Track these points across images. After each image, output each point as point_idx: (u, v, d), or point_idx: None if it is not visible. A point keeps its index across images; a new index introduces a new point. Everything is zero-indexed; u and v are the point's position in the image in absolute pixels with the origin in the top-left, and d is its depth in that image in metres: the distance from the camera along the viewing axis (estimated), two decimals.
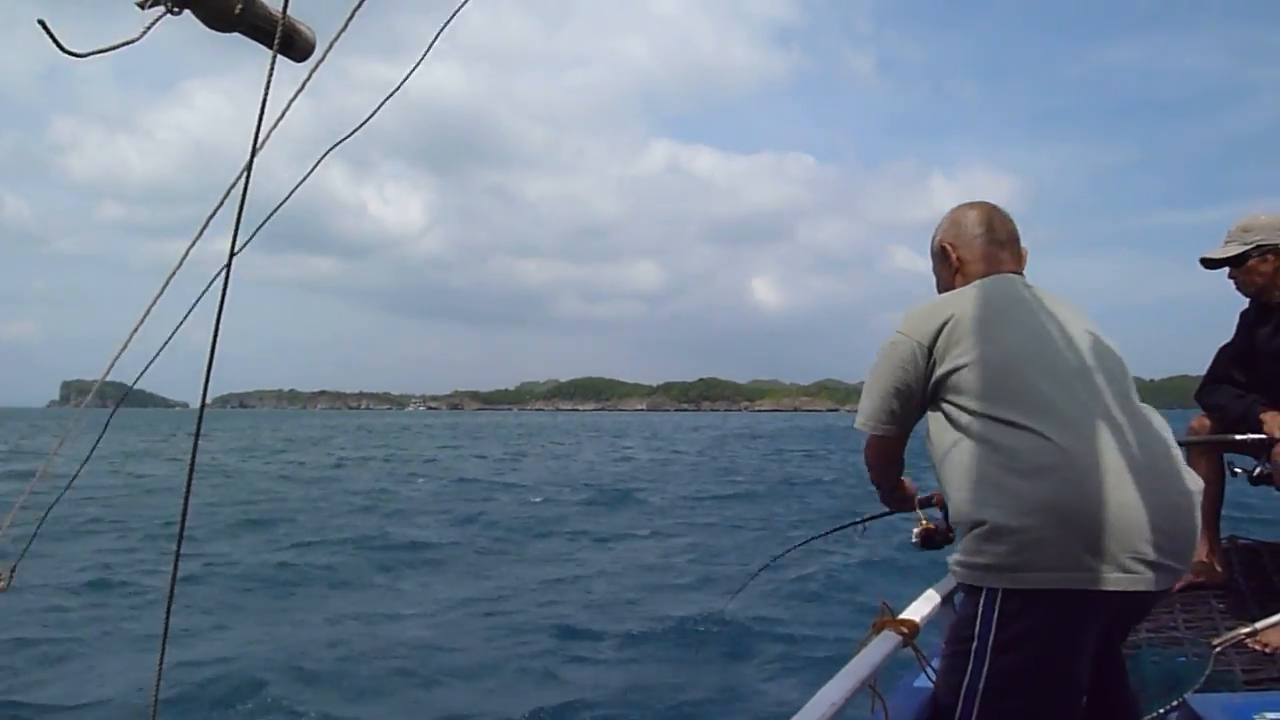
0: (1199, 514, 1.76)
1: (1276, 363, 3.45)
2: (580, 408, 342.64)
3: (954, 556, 1.76)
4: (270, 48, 1.03)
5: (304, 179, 1.17)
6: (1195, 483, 1.77)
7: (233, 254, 1.12)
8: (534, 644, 6.82)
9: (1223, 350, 3.72)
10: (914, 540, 2.36)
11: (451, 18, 1.13)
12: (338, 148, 1.20)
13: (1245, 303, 3.68)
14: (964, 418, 1.79)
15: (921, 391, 1.90)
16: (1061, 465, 1.65)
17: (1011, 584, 1.65)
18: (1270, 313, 3.51)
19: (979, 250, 2.09)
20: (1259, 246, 3.43)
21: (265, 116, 1.03)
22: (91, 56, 0.95)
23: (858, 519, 2.99)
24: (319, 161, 1.20)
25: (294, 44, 1.10)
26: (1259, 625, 3.03)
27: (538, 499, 17.61)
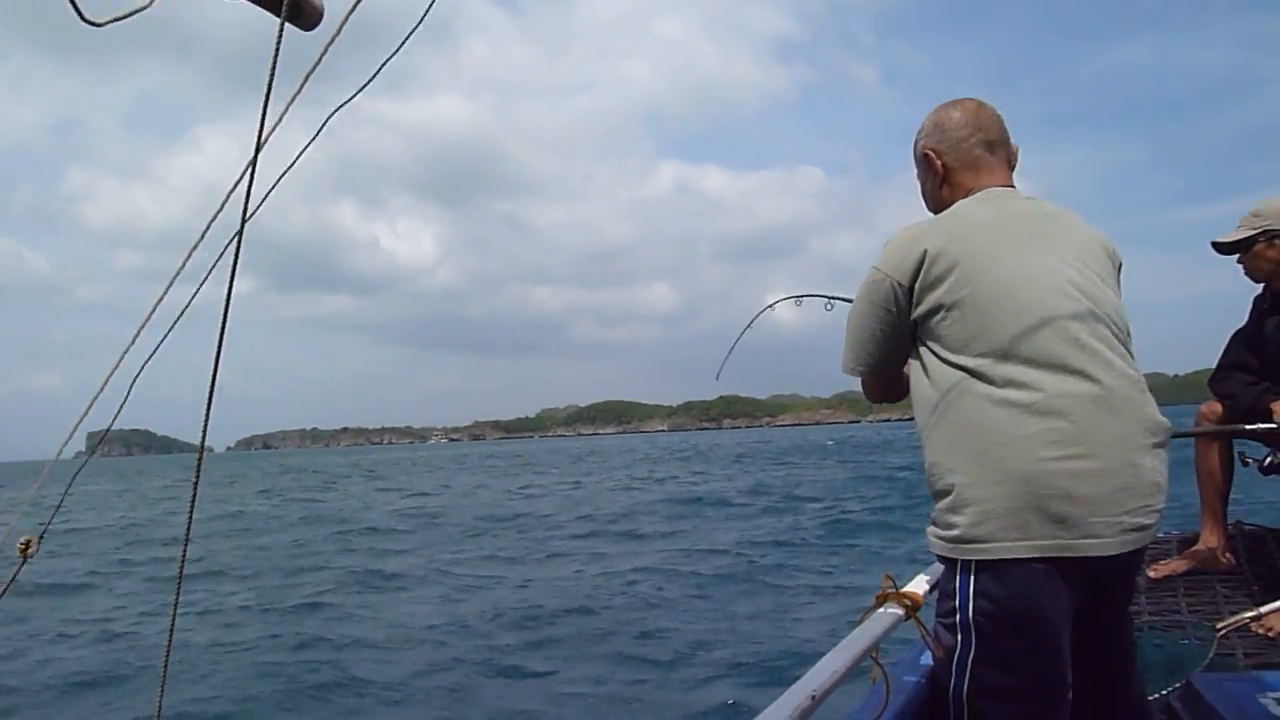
0: (1164, 457, 1.72)
1: None
2: (601, 431, 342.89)
3: (930, 527, 1.73)
4: (278, 15, 0.98)
5: (297, 157, 1.13)
6: (1162, 428, 1.71)
7: (242, 226, 1.14)
8: None
9: (1235, 336, 3.70)
10: None
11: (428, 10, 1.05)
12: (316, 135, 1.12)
13: (1259, 289, 3.65)
14: (938, 368, 1.73)
15: (906, 329, 1.82)
16: (1031, 433, 1.60)
17: (980, 555, 1.62)
18: (1275, 299, 3.49)
19: (967, 155, 1.92)
20: (1266, 231, 3.41)
21: (268, 114, 0.98)
22: (108, 25, 0.94)
23: None
24: (311, 139, 1.15)
25: (302, 11, 1.06)
26: (1263, 610, 3.03)
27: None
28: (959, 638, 1.68)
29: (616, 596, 9.14)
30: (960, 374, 1.69)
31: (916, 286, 1.76)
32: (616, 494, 23.94)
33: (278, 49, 0.96)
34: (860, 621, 1.73)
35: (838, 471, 29.19)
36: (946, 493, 1.67)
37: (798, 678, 1.41)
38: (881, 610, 1.79)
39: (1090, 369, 1.66)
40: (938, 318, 1.73)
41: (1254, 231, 3.43)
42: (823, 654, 1.53)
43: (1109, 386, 1.65)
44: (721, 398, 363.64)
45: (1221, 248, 3.52)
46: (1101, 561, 1.62)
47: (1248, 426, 3.46)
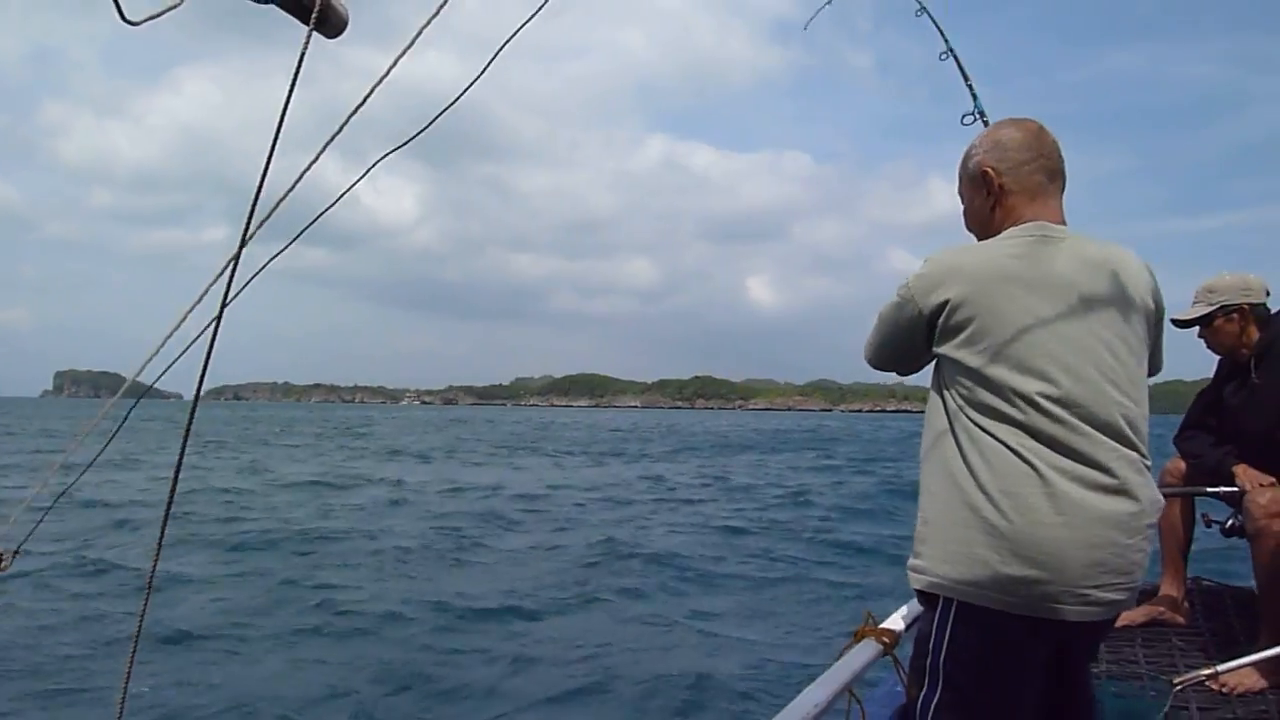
0: (1152, 535, 1.73)
1: (1240, 417, 3.53)
2: (575, 403, 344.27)
3: (911, 561, 1.73)
4: (305, 22, 1.01)
5: (306, 169, 1.09)
6: (1157, 508, 1.72)
7: (244, 242, 1.06)
8: None
9: (1199, 396, 3.80)
10: None
11: (442, 5, 1.04)
12: (332, 140, 1.07)
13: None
14: (952, 410, 1.73)
15: (925, 352, 1.83)
16: (1022, 495, 1.60)
17: (964, 598, 1.64)
18: (1238, 369, 3.56)
19: (1027, 179, 1.83)
20: (1224, 307, 3.49)
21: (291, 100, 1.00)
22: (145, 24, 0.98)
23: None
24: (319, 154, 1.10)
25: (328, 19, 1.06)
26: (1220, 668, 3.05)
27: None
28: (927, 679, 1.70)
29: None
30: (967, 421, 1.69)
31: (938, 325, 1.74)
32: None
33: (303, 55, 0.98)
34: (840, 656, 1.72)
35: (850, 477, 22.25)
36: (935, 533, 1.68)
37: (779, 708, 1.42)
38: (860, 645, 1.77)
39: (1096, 455, 1.64)
40: (954, 363, 1.73)
41: (1211, 308, 3.51)
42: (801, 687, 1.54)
43: (1118, 476, 1.64)
44: (696, 377, 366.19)
45: (1181, 324, 3.58)
46: (1076, 626, 1.64)
47: (1209, 489, 3.55)
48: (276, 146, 1.02)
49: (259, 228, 1.07)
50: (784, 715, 1.40)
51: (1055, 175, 1.86)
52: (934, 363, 1.83)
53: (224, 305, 1.10)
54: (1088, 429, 1.65)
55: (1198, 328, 3.58)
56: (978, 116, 3.06)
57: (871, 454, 32.64)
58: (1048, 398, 1.64)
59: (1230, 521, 3.51)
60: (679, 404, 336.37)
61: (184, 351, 1.15)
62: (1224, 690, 3.04)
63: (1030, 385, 1.65)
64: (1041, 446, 1.63)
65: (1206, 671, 3.03)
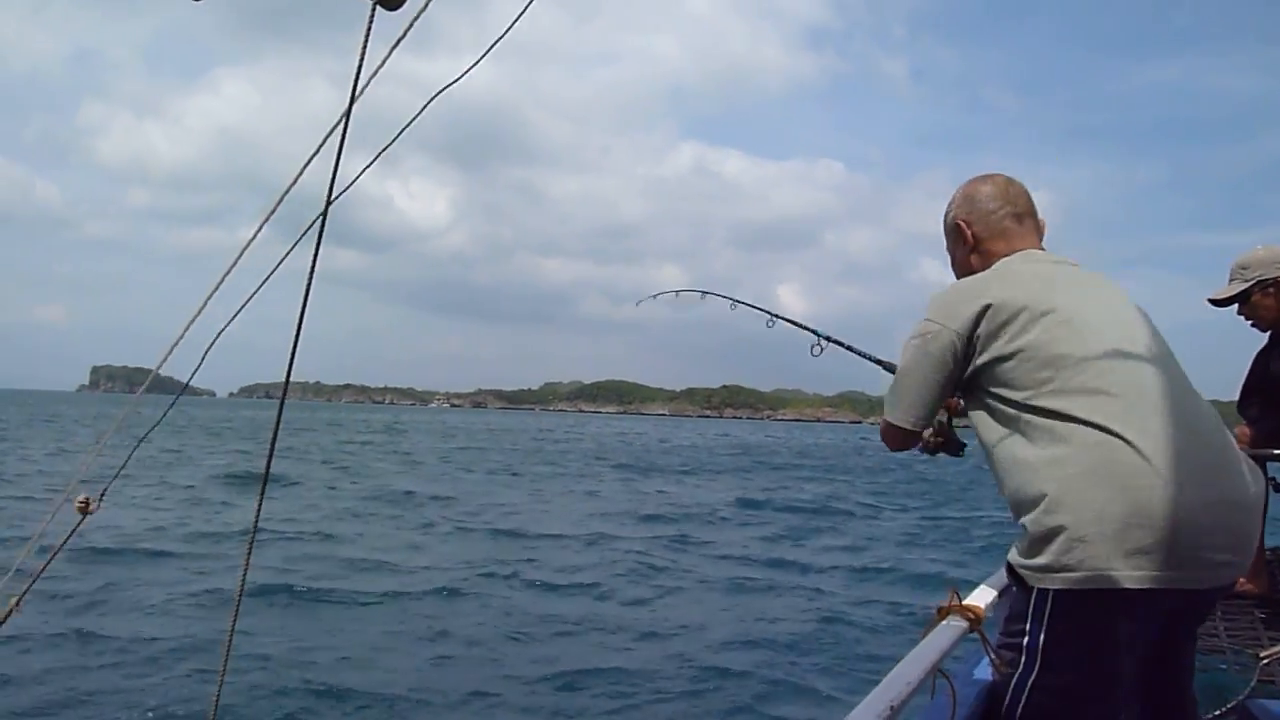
0: (1260, 511, 1.72)
1: None
2: (603, 410, 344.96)
3: (1011, 554, 1.72)
4: None
5: (368, 166, 1.09)
6: (1258, 480, 1.72)
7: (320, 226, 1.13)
8: None
9: (1256, 362, 3.76)
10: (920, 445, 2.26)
11: (513, 22, 1.10)
12: (383, 151, 1.13)
13: (1261, 339, 3.73)
14: (1011, 410, 1.74)
15: (957, 382, 1.86)
16: (1119, 462, 1.59)
17: (1065, 585, 1.61)
18: (1278, 340, 3.55)
19: (996, 225, 2.01)
20: (1260, 282, 3.46)
21: (364, 67, 1.03)
22: (203, 2, 1.03)
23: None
24: (379, 154, 1.13)
25: None
26: None
27: None
28: (1023, 659, 1.69)
29: None
30: (1036, 410, 1.70)
31: (979, 335, 1.79)
32: None
33: (368, 30, 1.00)
34: (925, 634, 1.72)
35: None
36: (1035, 522, 1.65)
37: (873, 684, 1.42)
38: (945, 623, 1.77)
39: (1170, 406, 1.66)
40: (1006, 364, 1.75)
41: (1248, 285, 3.48)
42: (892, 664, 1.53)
43: (1192, 427, 1.66)
44: (725, 386, 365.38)
45: (1220, 303, 3.56)
46: (1189, 594, 1.62)
47: (1276, 451, 3.51)
48: (329, 143, 1.02)
49: (268, 218, 1.07)
50: (880, 690, 1.39)
51: (1023, 217, 2.04)
52: (970, 386, 1.87)
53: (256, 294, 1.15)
54: (1161, 380, 1.69)
55: (1236, 306, 3.54)
56: (824, 345, 3.11)
57: None
58: (1114, 373, 1.69)
59: None
60: (707, 412, 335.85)
61: (212, 343, 1.16)
62: None
63: (1095, 359, 1.70)
64: (1123, 416, 1.64)
65: None
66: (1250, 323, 3.57)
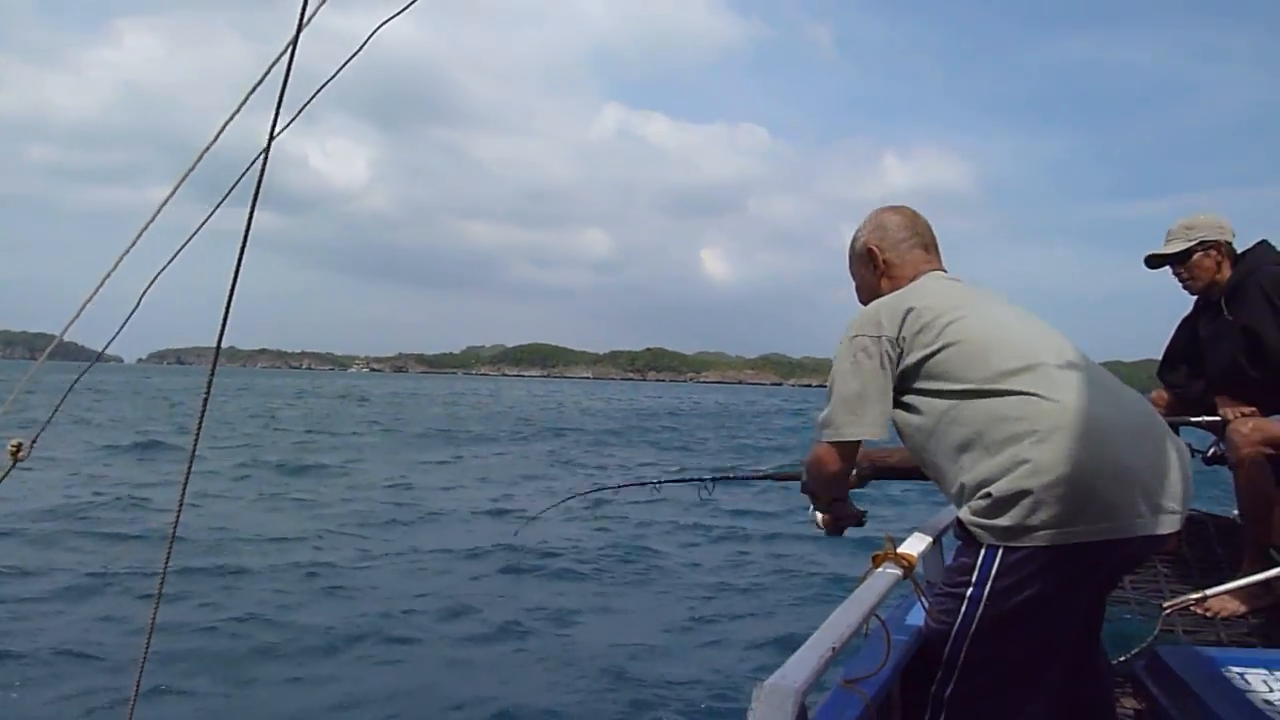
0: (1189, 465, 1.83)
1: (1211, 352, 3.61)
2: (526, 374, 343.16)
3: (963, 513, 1.78)
4: None
5: (304, 107, 1.09)
6: (1182, 443, 1.86)
7: (272, 137, 1.07)
8: None
9: (1180, 328, 3.87)
10: (820, 525, 2.31)
11: None
12: (303, 109, 1.06)
13: (1186, 304, 3.81)
14: (945, 400, 1.83)
15: (891, 385, 1.92)
16: (1065, 425, 1.68)
17: (1019, 542, 1.68)
18: (1210, 305, 3.63)
19: (905, 253, 2.13)
20: (1202, 242, 3.54)
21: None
22: None
23: (651, 480, 3.22)
24: (316, 93, 1.08)
25: None
26: (1208, 592, 3.17)
27: None
28: (963, 608, 1.76)
29: None
30: (969, 388, 1.79)
31: (903, 339, 1.88)
32: None
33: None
34: (863, 579, 1.78)
35: None
36: (984, 492, 1.72)
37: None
38: (881, 570, 1.84)
39: (1098, 378, 1.80)
40: (936, 357, 1.85)
41: (1191, 243, 3.56)
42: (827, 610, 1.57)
43: (1120, 395, 1.81)
44: (648, 349, 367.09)
45: (1159, 259, 3.66)
46: (1133, 542, 1.70)
47: (1194, 419, 3.66)
48: (259, 93, 0.98)
49: (187, 174, 1.04)
50: (821, 633, 1.42)
51: (930, 247, 2.19)
52: (899, 387, 1.94)
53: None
54: (1076, 374, 1.80)
55: (1171, 266, 3.65)
56: (711, 488, 3.13)
57: None
58: (1042, 354, 1.82)
59: (1212, 450, 3.64)
60: (630, 375, 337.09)
61: (134, 309, 1.12)
62: (1209, 614, 3.18)
63: (1016, 353, 1.82)
64: (1062, 387, 1.75)
65: (1194, 596, 3.17)
66: (1183, 284, 3.67)
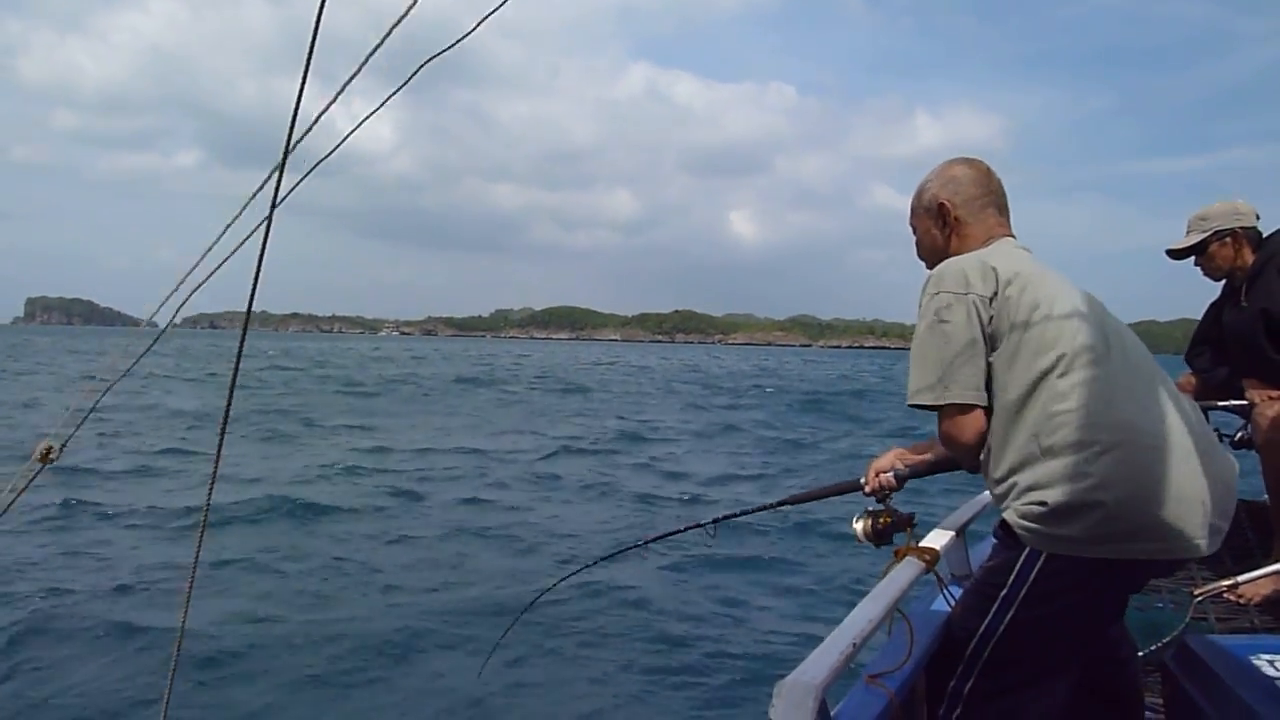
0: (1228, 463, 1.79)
1: (1238, 336, 3.60)
2: (555, 336, 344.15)
3: (1009, 514, 1.73)
4: None
5: (356, 71, 3.19)
6: (1233, 459, 1.80)
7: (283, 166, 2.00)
8: None
9: (1207, 312, 3.89)
10: (862, 537, 2.11)
11: None
12: (351, 80, 1.06)
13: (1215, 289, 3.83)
14: (1018, 383, 1.73)
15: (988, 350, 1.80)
16: (1129, 441, 1.64)
17: (1062, 550, 1.66)
18: (1233, 291, 3.64)
19: (978, 212, 1.98)
20: (1217, 232, 3.57)
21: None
22: None
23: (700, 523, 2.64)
24: (366, 59, 1.24)
25: None
26: (1240, 579, 3.10)
27: None
28: (996, 606, 1.74)
29: None
30: (1035, 377, 1.71)
31: (996, 303, 1.77)
32: None
33: None
34: (885, 573, 1.76)
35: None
36: (1036, 497, 1.67)
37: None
38: (903, 563, 1.80)
39: (1165, 392, 1.75)
40: (1013, 336, 1.75)
41: (1205, 235, 3.59)
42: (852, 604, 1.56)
43: (1183, 410, 1.75)
44: (676, 311, 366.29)
45: (1177, 253, 3.69)
46: (1169, 561, 1.72)
47: (1221, 403, 3.68)
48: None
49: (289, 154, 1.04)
50: (844, 628, 1.43)
51: (1004, 209, 2.03)
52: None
53: (270, 228, 1.06)
54: (1139, 370, 1.76)
55: (1194, 257, 3.66)
56: (714, 530, 2.75)
57: None
58: (1111, 361, 1.73)
59: (1239, 434, 3.62)
60: (659, 338, 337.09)
61: (199, 285, 1.06)
62: (1241, 601, 3.20)
63: (1089, 348, 1.73)
64: (1128, 394, 1.70)
65: (1226, 583, 3.09)
66: (1205, 274, 3.68)
